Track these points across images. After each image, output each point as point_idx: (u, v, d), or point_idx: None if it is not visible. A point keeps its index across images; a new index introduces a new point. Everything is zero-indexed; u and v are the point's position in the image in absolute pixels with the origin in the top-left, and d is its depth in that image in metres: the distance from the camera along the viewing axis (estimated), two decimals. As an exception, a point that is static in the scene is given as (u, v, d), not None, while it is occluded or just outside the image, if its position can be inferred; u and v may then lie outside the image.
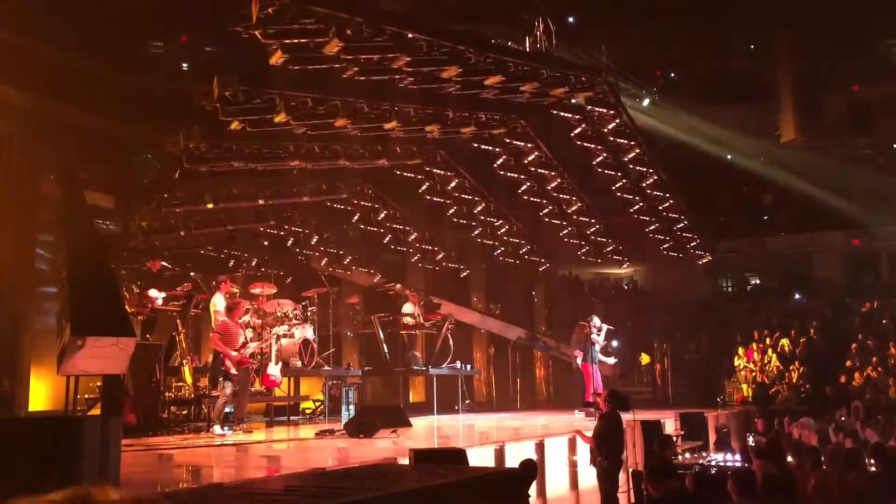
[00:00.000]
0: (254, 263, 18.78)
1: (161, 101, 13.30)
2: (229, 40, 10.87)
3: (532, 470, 6.95)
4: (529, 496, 6.25)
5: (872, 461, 8.03)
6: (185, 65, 15.51)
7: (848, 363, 19.48)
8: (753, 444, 9.88)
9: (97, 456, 5.18)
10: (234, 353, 11.10)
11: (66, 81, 12.68)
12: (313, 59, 9.49)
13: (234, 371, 11.09)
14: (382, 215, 17.47)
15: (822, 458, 7.45)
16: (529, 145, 14.82)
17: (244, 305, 12.45)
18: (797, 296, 25.09)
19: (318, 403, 16.05)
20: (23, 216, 12.51)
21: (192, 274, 15.73)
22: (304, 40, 9.04)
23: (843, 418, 15.22)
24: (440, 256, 19.97)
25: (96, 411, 11.01)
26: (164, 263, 13.92)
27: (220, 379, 11.29)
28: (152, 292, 12.73)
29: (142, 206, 13.63)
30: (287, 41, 8.94)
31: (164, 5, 12.70)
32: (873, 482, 7.10)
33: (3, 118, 12.36)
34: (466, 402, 17.59)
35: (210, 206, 13.92)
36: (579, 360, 15.39)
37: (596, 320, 15.20)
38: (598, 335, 15.14)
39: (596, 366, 14.85)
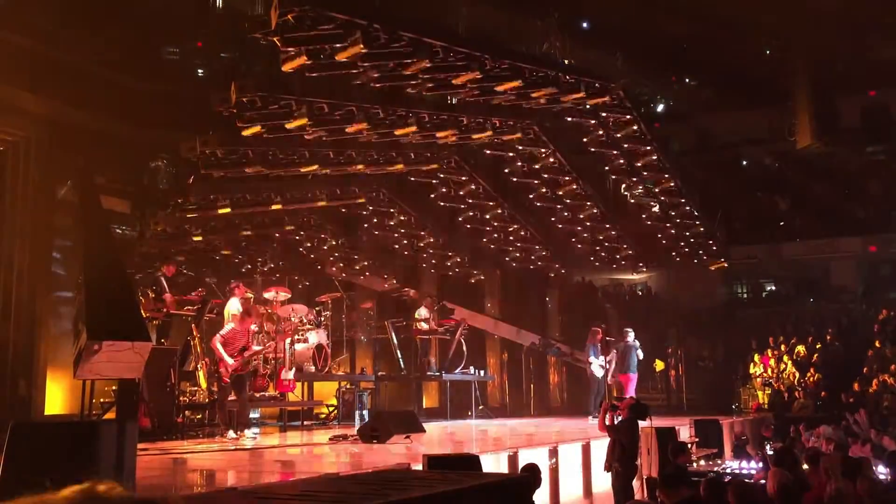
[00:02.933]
0: (268, 268, 18.85)
1: (177, 106, 13.39)
2: (245, 46, 10.94)
3: (536, 475, 6.92)
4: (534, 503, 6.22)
5: (888, 470, 7.97)
6: (200, 70, 15.61)
7: (864, 370, 19.32)
8: (772, 452, 9.82)
9: (113, 459, 5.22)
10: (230, 360, 10.96)
11: (83, 87, 12.80)
12: (330, 66, 9.53)
13: (226, 379, 10.98)
14: (397, 220, 17.49)
15: (819, 468, 7.37)
16: (543, 151, 14.82)
17: (256, 318, 12.22)
18: (813, 302, 24.90)
19: (331, 408, 16.08)
20: (40, 221, 12.61)
21: (206, 279, 15.80)
22: (322, 46, 9.08)
23: (854, 424, 15.18)
24: (454, 262, 19.98)
25: (111, 415, 11.06)
26: (179, 268, 13.99)
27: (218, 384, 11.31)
28: (167, 297, 12.79)
29: (157, 211, 13.71)
30: (306, 47, 8.98)
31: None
32: (888, 492, 7.03)
33: (21, 123, 12.47)
34: (480, 407, 17.56)
35: (225, 211, 13.98)
36: (595, 368, 15.49)
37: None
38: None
39: (633, 375, 15.32)
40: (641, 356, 15.50)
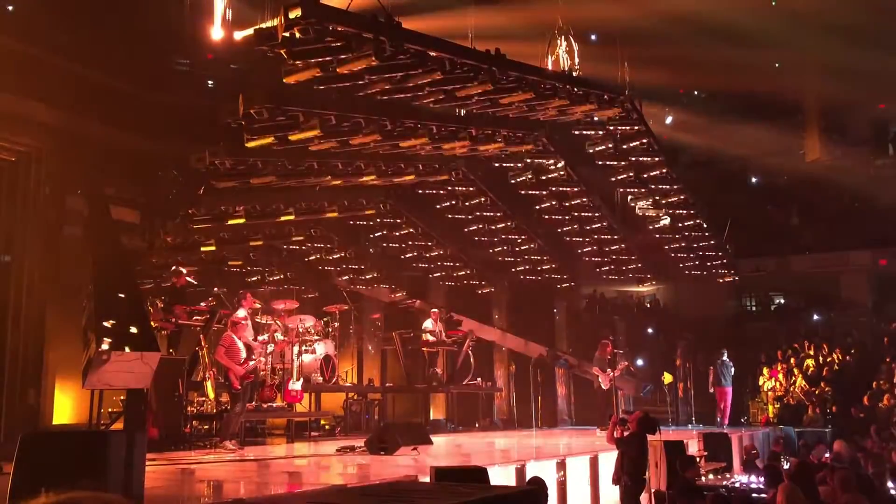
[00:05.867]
0: (276, 279, 18.88)
1: (186, 117, 13.46)
2: (255, 58, 10.98)
3: (542, 489, 6.89)
4: None
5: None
6: (210, 82, 15.69)
7: (874, 384, 19.18)
8: (788, 467, 9.75)
9: (122, 470, 5.22)
10: (238, 367, 11.12)
11: (94, 98, 12.89)
12: (336, 78, 9.57)
13: (237, 385, 11.12)
14: (404, 232, 17.51)
15: (831, 483, 7.33)
16: (552, 163, 14.84)
17: (248, 323, 12.37)
18: (823, 315, 24.77)
19: (337, 418, 16.07)
20: (50, 231, 12.68)
21: (215, 289, 15.84)
22: (328, 59, 9.12)
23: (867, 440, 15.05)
24: (462, 273, 19.97)
25: (119, 425, 11.07)
26: (188, 279, 14.03)
27: (230, 394, 11.39)
28: (177, 308, 12.82)
29: (167, 221, 13.76)
30: (311, 60, 9.02)
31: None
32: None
33: (32, 134, 12.57)
34: (494, 419, 17.55)
35: (234, 222, 14.03)
36: (601, 379, 15.52)
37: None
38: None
39: (728, 388, 17.59)
40: (733, 372, 18.13)
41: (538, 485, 6.87)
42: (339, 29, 8.87)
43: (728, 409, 17.89)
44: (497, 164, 15.09)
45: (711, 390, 18.13)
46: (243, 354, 11.29)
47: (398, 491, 3.97)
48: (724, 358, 18.05)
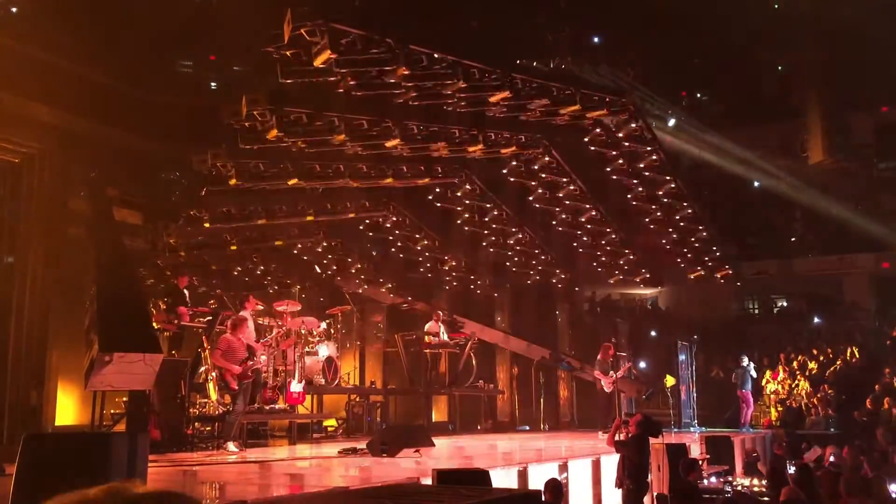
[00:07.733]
0: (279, 281, 18.88)
1: (189, 119, 13.48)
2: (258, 59, 11.00)
3: (558, 492, 6.87)
4: None
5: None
6: (213, 84, 15.72)
7: (877, 387, 19.13)
8: (793, 471, 9.73)
9: (125, 471, 5.22)
10: (236, 367, 11.07)
11: (97, 99, 12.90)
12: (343, 79, 9.58)
13: (234, 386, 11.08)
14: (407, 234, 17.51)
15: (833, 486, 7.31)
16: (554, 165, 14.83)
17: (247, 324, 12.33)
18: (825, 318, 24.73)
19: (340, 421, 16.07)
20: (52, 232, 12.69)
21: (217, 291, 15.86)
22: (335, 60, 9.12)
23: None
24: (464, 276, 19.96)
25: (122, 427, 11.07)
26: (190, 280, 14.06)
27: (230, 395, 11.37)
28: (182, 309, 12.82)
29: (169, 223, 13.77)
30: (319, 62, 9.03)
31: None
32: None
33: (35, 135, 12.58)
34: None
35: (236, 223, 14.04)
36: (603, 382, 15.52)
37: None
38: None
39: (745, 393, 17.70)
40: (755, 375, 18.61)
41: (554, 487, 6.85)
42: (345, 29, 8.87)
43: (746, 413, 17.92)
44: (499, 166, 15.07)
45: (740, 392, 18.16)
46: (241, 355, 11.27)
47: (400, 493, 3.96)
48: (744, 364, 18.18)
